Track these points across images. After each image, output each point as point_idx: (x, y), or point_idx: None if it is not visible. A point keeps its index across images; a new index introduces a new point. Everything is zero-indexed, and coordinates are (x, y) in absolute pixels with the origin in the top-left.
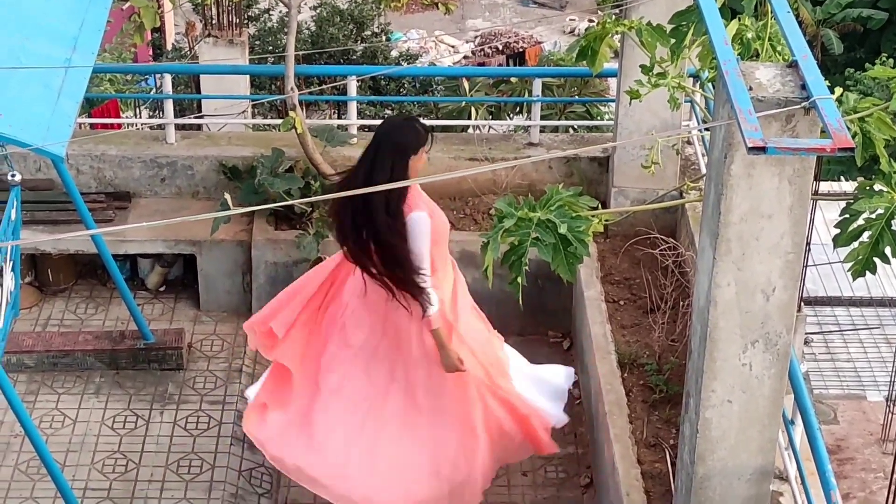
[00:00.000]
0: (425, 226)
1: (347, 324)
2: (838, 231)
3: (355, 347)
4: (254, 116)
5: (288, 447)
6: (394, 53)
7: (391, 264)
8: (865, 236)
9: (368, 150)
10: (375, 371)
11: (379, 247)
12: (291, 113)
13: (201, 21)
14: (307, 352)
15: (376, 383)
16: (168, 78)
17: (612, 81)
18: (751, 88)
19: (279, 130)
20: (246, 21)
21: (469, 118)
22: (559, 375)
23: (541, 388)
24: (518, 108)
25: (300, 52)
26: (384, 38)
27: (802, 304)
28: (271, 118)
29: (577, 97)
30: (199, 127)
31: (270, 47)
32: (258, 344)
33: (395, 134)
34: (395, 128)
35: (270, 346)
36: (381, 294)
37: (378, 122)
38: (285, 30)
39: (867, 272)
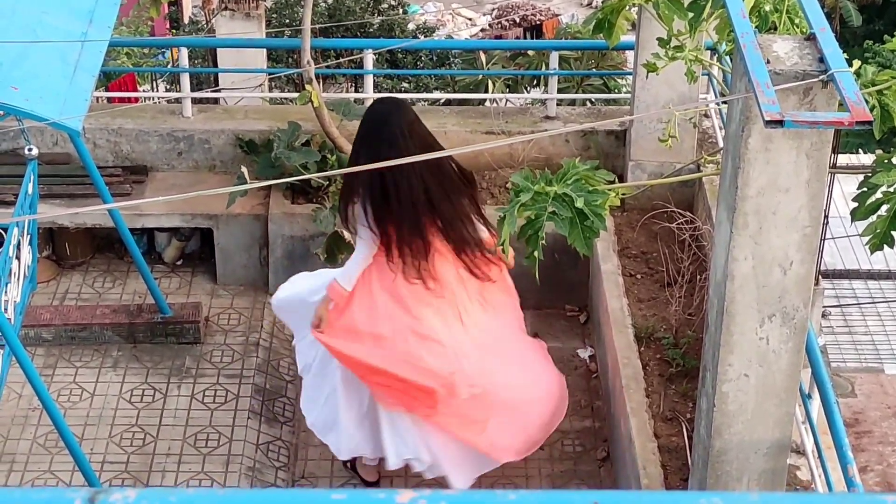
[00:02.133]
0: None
1: (405, 298)
2: (856, 204)
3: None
4: (270, 90)
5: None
6: (411, 26)
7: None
8: (884, 209)
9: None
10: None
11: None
12: (308, 86)
13: None
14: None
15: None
16: (185, 51)
17: (630, 54)
18: (768, 61)
19: (296, 104)
20: None
21: (486, 91)
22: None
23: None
24: (535, 81)
25: (317, 26)
26: (401, 10)
27: (820, 277)
28: (288, 92)
29: (594, 70)
30: (215, 100)
31: (287, 20)
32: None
33: (397, 112)
34: (394, 109)
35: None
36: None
37: (395, 95)
38: (302, 3)
39: (885, 246)
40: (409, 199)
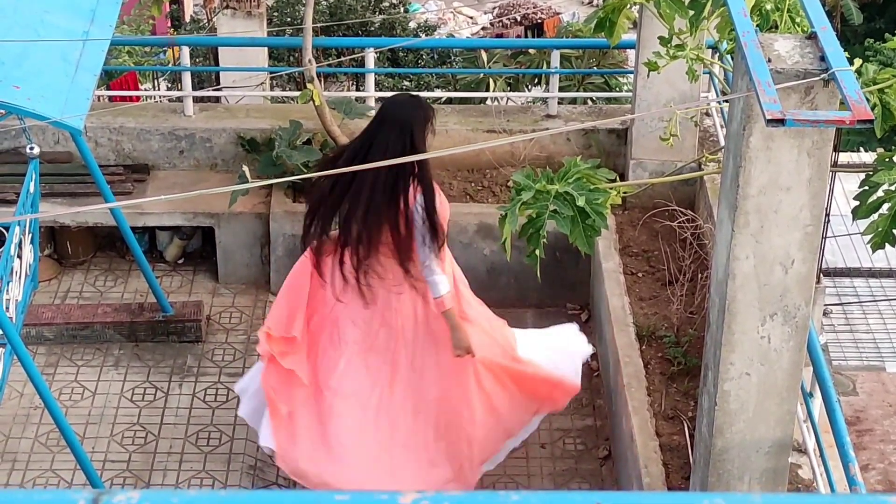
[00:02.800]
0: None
1: (340, 321)
2: (857, 203)
3: (350, 344)
4: (272, 88)
5: (312, 461)
6: (412, 25)
7: (402, 250)
8: (885, 208)
9: (370, 127)
10: (375, 364)
11: (373, 232)
12: (309, 85)
13: None
14: (309, 356)
15: (379, 377)
16: (186, 50)
17: (631, 53)
18: (769, 60)
19: (297, 103)
20: None
21: (487, 90)
22: (570, 339)
23: (555, 356)
24: (536, 80)
25: (318, 24)
26: (402, 9)
27: (821, 275)
28: (289, 90)
29: (595, 69)
30: (217, 99)
31: (289, 19)
32: (275, 350)
33: (411, 109)
34: (407, 105)
35: (284, 354)
36: (375, 285)
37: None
38: (303, 1)
39: (887, 244)
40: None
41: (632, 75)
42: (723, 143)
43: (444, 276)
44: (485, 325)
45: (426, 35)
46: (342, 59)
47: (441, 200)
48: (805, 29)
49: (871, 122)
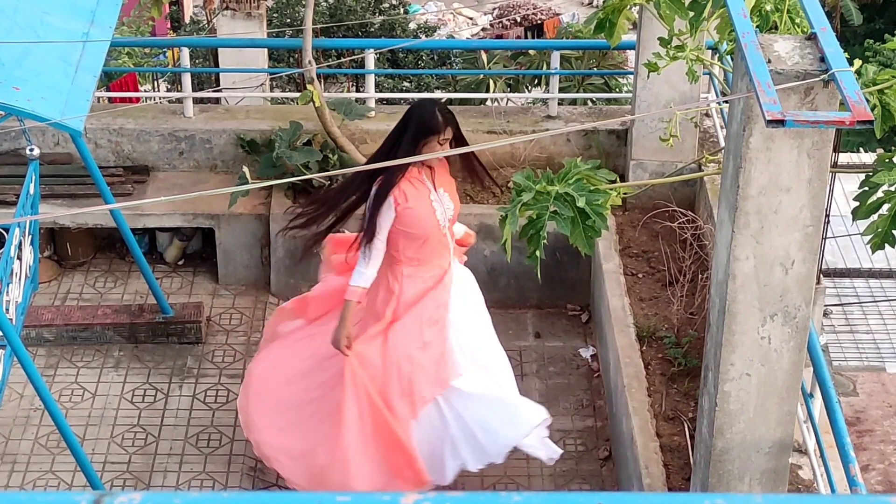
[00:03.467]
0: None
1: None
2: (857, 203)
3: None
4: (272, 90)
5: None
6: (412, 26)
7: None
8: (885, 209)
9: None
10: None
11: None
12: (309, 86)
13: None
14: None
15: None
16: (186, 51)
17: (631, 54)
18: (769, 61)
19: (297, 104)
20: None
21: (487, 91)
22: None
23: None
24: (536, 81)
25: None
26: (402, 10)
27: (821, 275)
28: (289, 91)
29: (595, 69)
30: (217, 100)
31: (288, 20)
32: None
33: (416, 115)
34: (417, 109)
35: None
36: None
37: (396, 94)
38: (303, 2)
39: (886, 244)
40: None
41: (632, 76)
42: (723, 143)
43: (367, 272)
44: (394, 354)
45: (426, 36)
46: (342, 60)
47: (452, 197)
48: (805, 30)
49: (870, 122)
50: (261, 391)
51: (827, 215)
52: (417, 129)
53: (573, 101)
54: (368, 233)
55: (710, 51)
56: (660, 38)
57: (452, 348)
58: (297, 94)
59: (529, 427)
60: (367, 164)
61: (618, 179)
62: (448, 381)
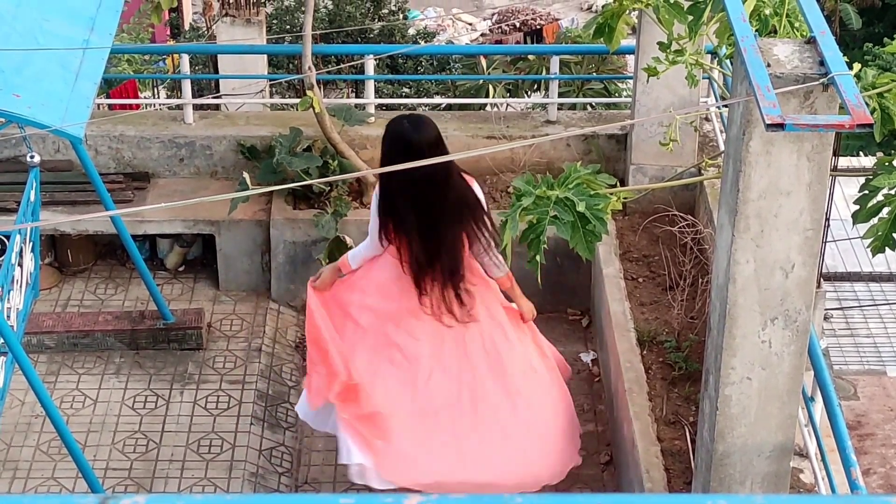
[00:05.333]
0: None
1: (399, 341)
2: (857, 207)
3: (415, 357)
4: (272, 96)
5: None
6: (411, 32)
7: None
8: (885, 212)
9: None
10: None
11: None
12: (309, 92)
13: (218, 0)
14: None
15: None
16: (186, 58)
17: (630, 58)
18: (769, 65)
19: (297, 110)
20: (263, 0)
21: (487, 96)
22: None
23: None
24: (536, 86)
25: (317, 31)
26: (401, 16)
27: (822, 279)
28: (289, 97)
29: (594, 74)
30: (217, 107)
31: (288, 26)
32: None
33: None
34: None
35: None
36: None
37: (396, 100)
38: (303, 8)
39: (887, 248)
40: (399, 221)
41: (631, 81)
42: (722, 147)
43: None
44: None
45: (425, 42)
46: (342, 66)
47: (476, 190)
48: (804, 33)
49: (870, 126)
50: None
51: (827, 219)
52: (391, 139)
53: (573, 106)
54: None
55: (709, 55)
56: (659, 43)
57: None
58: (297, 101)
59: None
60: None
61: (618, 184)
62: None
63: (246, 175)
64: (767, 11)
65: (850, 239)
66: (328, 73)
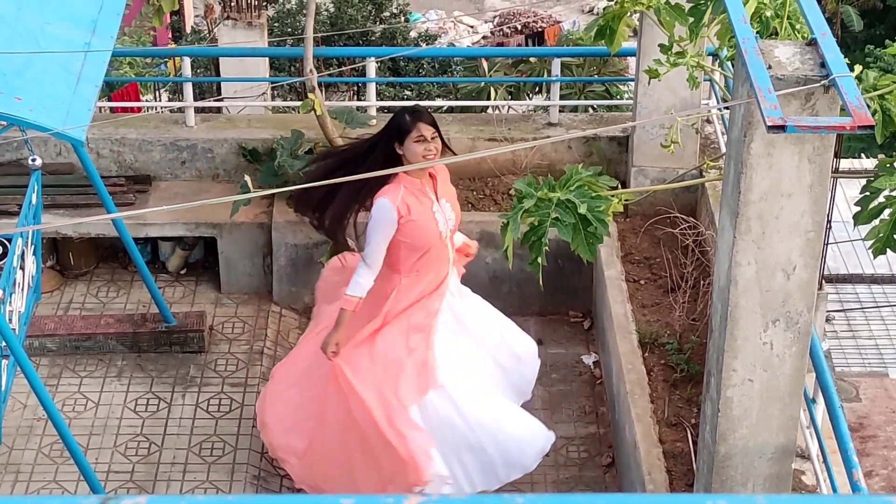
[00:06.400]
0: (382, 214)
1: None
2: (859, 209)
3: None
4: (273, 99)
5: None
6: (413, 34)
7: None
8: (886, 214)
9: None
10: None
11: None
12: (311, 95)
13: (220, 3)
14: None
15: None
16: (187, 61)
17: (632, 61)
18: (770, 67)
19: (298, 112)
20: (265, 3)
21: (488, 98)
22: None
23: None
24: (537, 88)
25: (319, 34)
26: (403, 19)
27: (823, 281)
28: (291, 100)
29: (596, 77)
30: (218, 109)
31: (289, 29)
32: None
33: (388, 123)
34: (394, 116)
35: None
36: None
37: (397, 103)
38: (304, 11)
39: (888, 250)
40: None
41: (632, 83)
42: (724, 149)
43: (364, 282)
44: (380, 359)
45: (427, 44)
46: (343, 68)
47: (454, 207)
48: (805, 35)
49: (871, 127)
50: (272, 392)
51: (828, 221)
52: (388, 132)
53: (574, 108)
54: (359, 244)
55: (710, 57)
56: (660, 45)
57: (436, 358)
58: (299, 103)
59: (522, 471)
60: (339, 155)
61: (619, 186)
62: (427, 389)
63: (247, 178)
64: (768, 13)
65: (851, 241)
66: (330, 75)
